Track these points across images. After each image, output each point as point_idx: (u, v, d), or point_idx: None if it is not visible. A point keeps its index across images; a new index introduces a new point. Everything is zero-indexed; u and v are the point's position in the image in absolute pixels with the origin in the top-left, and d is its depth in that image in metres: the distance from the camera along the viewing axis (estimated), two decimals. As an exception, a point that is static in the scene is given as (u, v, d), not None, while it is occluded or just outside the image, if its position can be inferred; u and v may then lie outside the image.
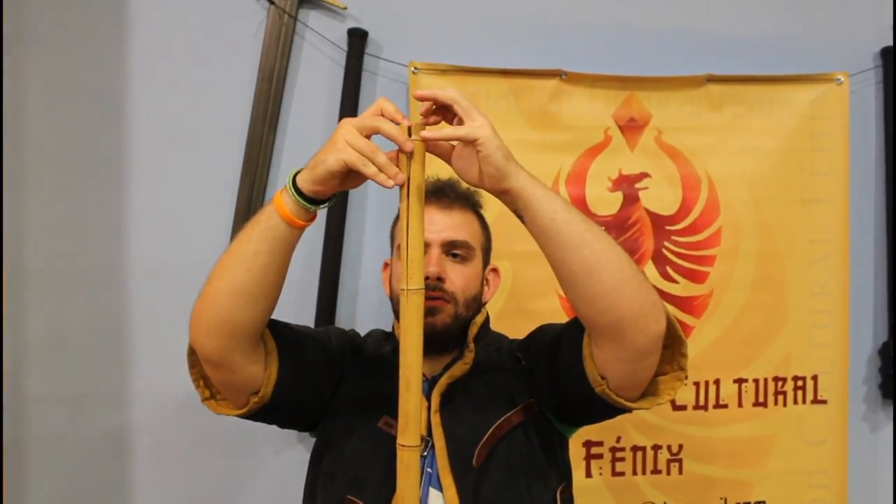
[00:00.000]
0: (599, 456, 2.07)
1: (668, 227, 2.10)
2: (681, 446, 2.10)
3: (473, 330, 1.54)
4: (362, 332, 1.71)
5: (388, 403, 1.34)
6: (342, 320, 2.06)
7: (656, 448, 2.09)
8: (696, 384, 2.10)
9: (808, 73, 2.16)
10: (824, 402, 2.16)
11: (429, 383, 1.45)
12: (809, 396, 2.16)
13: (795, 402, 2.15)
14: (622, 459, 2.08)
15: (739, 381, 2.12)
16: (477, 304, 1.55)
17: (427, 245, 1.44)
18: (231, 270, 1.31)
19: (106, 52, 2.02)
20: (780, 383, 2.14)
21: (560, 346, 1.41)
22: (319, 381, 1.47)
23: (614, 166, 2.10)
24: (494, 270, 1.63)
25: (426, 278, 1.36)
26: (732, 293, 2.11)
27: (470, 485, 1.36)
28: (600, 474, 2.08)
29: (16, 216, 1.98)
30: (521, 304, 2.04)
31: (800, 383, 2.15)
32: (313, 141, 2.06)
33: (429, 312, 1.38)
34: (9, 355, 1.97)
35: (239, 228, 1.99)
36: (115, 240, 2.03)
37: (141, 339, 2.05)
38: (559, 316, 2.04)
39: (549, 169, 2.07)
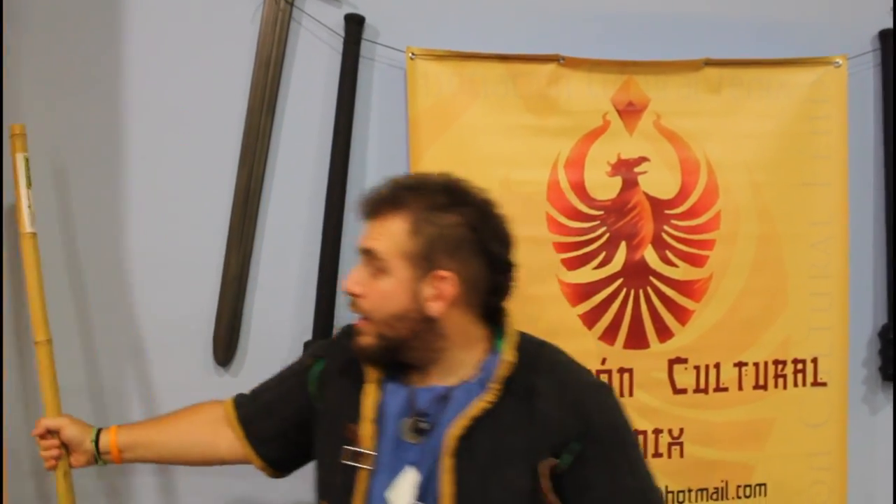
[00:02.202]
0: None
1: (667, 211, 2.10)
2: (682, 430, 2.10)
3: (503, 371, 1.44)
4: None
5: (352, 409, 1.47)
6: (341, 316, 2.05)
7: (657, 432, 2.10)
8: (697, 368, 2.10)
9: (807, 57, 2.16)
10: (824, 384, 2.16)
11: (429, 394, 1.47)
12: (809, 379, 2.16)
13: (795, 384, 2.15)
14: (623, 443, 2.09)
15: (739, 365, 2.12)
16: (412, 320, 1.43)
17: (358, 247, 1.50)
18: None
19: (102, 40, 2.02)
20: (779, 366, 2.14)
21: None
22: (298, 427, 1.60)
23: (613, 150, 2.09)
24: (441, 277, 1.43)
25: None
26: (732, 277, 2.11)
27: None
28: (601, 458, 2.08)
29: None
30: (521, 289, 2.01)
31: (800, 366, 2.15)
32: (311, 127, 2.07)
33: (356, 332, 1.47)
34: (11, 347, 1.97)
35: (237, 216, 2.01)
36: (114, 228, 2.04)
37: (141, 330, 2.05)
38: (559, 301, 2.05)
39: (547, 153, 2.07)
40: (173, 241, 2.04)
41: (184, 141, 2.05)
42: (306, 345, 2.00)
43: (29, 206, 1.79)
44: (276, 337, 2.03)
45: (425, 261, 1.42)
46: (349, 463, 1.43)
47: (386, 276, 1.43)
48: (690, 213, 2.10)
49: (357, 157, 2.08)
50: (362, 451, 1.43)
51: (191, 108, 2.04)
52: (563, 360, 1.52)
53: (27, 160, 1.81)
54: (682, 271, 2.09)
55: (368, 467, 1.42)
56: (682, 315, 2.10)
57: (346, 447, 1.43)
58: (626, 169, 2.09)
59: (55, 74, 2.00)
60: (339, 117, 2.04)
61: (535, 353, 1.49)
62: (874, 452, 2.29)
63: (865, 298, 2.27)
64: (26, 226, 1.78)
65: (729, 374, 2.12)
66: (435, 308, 1.42)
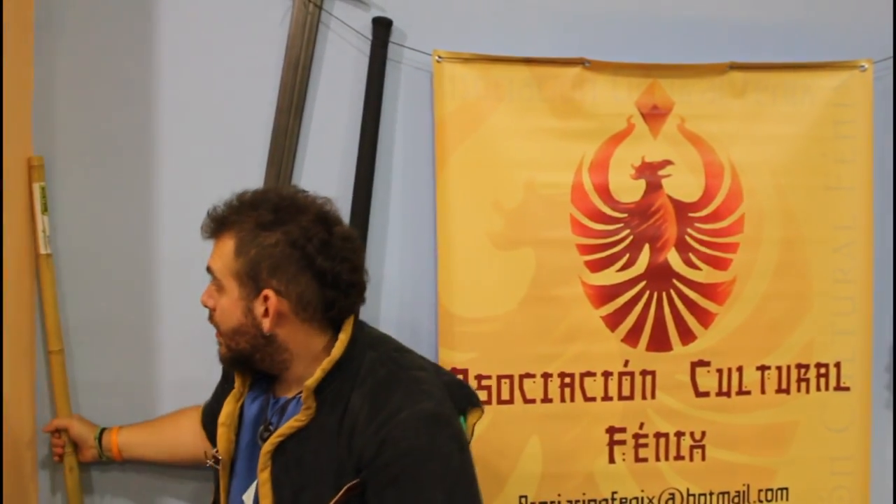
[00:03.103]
0: (622, 442, 2.08)
1: (690, 214, 2.11)
2: (704, 433, 2.11)
3: (311, 383, 1.45)
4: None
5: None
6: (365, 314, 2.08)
7: (679, 434, 2.10)
8: (720, 371, 2.11)
9: (832, 61, 2.16)
10: (847, 389, 2.16)
11: (279, 403, 1.56)
12: (832, 383, 2.16)
13: (818, 388, 2.16)
14: (645, 445, 2.10)
15: (762, 368, 2.13)
16: (250, 335, 1.49)
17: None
18: None
19: (133, 42, 2.04)
20: (802, 370, 2.14)
21: None
22: None
23: (637, 154, 2.10)
24: (265, 297, 1.46)
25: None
26: (755, 280, 2.11)
27: None
28: (623, 460, 2.09)
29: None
30: (545, 291, 2.05)
31: (822, 370, 2.15)
32: (338, 129, 2.09)
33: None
34: (41, 343, 2.01)
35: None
36: (141, 229, 2.05)
37: (168, 329, 2.07)
38: (582, 303, 2.06)
39: (572, 156, 2.08)
40: (202, 240, 2.06)
41: (213, 141, 2.07)
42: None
43: (44, 231, 1.97)
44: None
45: (251, 280, 1.47)
46: (211, 465, 1.60)
47: (224, 294, 1.50)
48: (714, 217, 2.11)
49: (383, 159, 2.09)
50: (216, 455, 1.59)
51: (220, 109, 2.07)
52: (392, 376, 1.47)
53: (43, 189, 1.97)
54: (705, 274, 2.10)
55: (218, 468, 1.59)
56: (705, 318, 2.10)
57: (207, 451, 1.63)
58: (650, 172, 2.10)
59: (86, 77, 2.03)
60: (366, 119, 2.06)
61: (361, 365, 1.48)
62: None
63: (889, 303, 2.26)
64: (41, 248, 1.97)
65: (751, 378, 2.12)
66: (266, 325, 1.47)
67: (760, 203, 2.13)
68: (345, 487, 1.40)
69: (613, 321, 2.07)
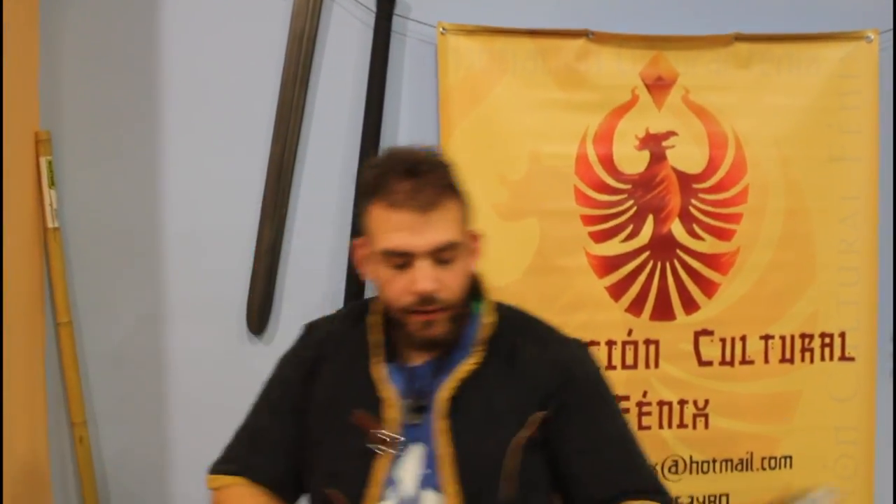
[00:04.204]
0: (626, 410, 2.09)
1: (695, 185, 2.11)
2: (707, 401, 2.12)
3: (485, 332, 1.45)
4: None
5: (359, 395, 1.43)
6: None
7: (682, 403, 2.12)
8: (723, 340, 2.12)
9: (837, 31, 2.15)
10: (852, 359, 2.17)
11: (427, 370, 1.44)
12: (837, 353, 2.17)
13: (823, 358, 2.16)
14: (648, 413, 2.11)
15: (766, 338, 2.13)
16: (469, 285, 1.46)
17: (408, 254, 1.36)
18: None
19: (139, 16, 2.06)
20: (807, 340, 2.15)
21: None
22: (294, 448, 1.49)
23: (641, 125, 2.11)
24: (474, 237, 1.46)
25: (418, 296, 1.36)
26: (759, 250, 2.12)
27: (471, 494, 1.37)
28: (627, 428, 2.11)
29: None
30: (549, 261, 2.07)
31: (827, 340, 2.16)
32: (343, 101, 2.11)
33: (424, 327, 1.40)
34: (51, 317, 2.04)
35: (271, 188, 2.06)
36: (149, 202, 2.08)
37: (176, 300, 2.10)
38: (586, 273, 2.08)
39: (576, 128, 2.09)
40: (208, 213, 2.08)
41: (218, 115, 2.09)
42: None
43: (51, 205, 1.99)
44: (309, 306, 2.05)
45: (467, 226, 1.44)
46: (376, 449, 1.39)
47: (460, 258, 1.40)
48: (718, 188, 2.11)
49: (388, 131, 2.11)
50: (389, 436, 1.40)
51: (225, 83, 2.09)
52: (539, 320, 1.55)
53: (50, 163, 1.99)
54: (708, 245, 2.11)
55: (393, 452, 1.40)
56: (708, 288, 2.11)
57: (374, 433, 1.40)
58: (654, 143, 2.11)
59: (92, 51, 2.05)
60: (371, 91, 2.08)
61: (512, 315, 1.52)
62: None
63: (893, 273, 2.26)
64: (49, 222, 1.98)
65: (755, 347, 2.13)
66: (471, 266, 1.46)
67: (765, 174, 2.13)
68: (534, 422, 1.40)
69: (617, 291, 2.08)
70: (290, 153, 2.08)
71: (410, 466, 1.40)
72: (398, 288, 1.38)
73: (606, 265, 2.08)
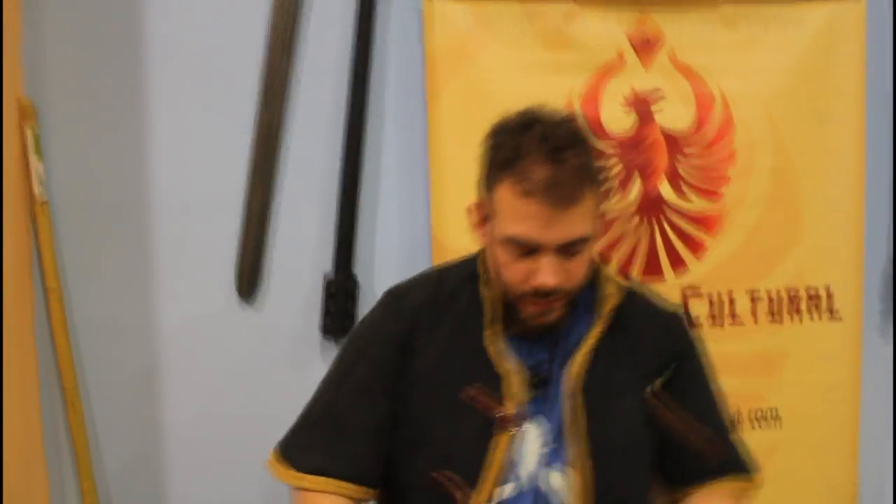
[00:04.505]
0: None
1: (682, 145, 2.11)
2: (695, 361, 2.13)
3: (611, 303, 1.41)
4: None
5: (473, 370, 1.35)
6: (360, 248, 2.11)
7: (671, 361, 2.13)
8: (711, 300, 2.13)
9: (825, -9, 2.15)
10: (839, 317, 2.19)
11: (546, 341, 1.39)
12: (824, 312, 2.18)
13: (811, 317, 2.18)
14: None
15: (754, 298, 2.15)
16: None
17: (534, 246, 1.28)
18: None
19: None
20: (794, 299, 2.16)
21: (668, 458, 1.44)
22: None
23: (628, 86, 2.10)
24: (604, 219, 1.40)
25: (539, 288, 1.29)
26: (747, 210, 2.12)
27: (599, 473, 1.34)
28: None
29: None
30: None
31: (814, 299, 2.17)
32: (329, 67, 2.10)
33: (539, 314, 1.33)
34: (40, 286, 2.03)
35: (259, 154, 2.05)
36: (136, 170, 2.07)
37: (166, 266, 2.09)
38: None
39: (563, 89, 2.08)
40: (196, 180, 2.07)
41: (204, 82, 2.07)
42: (328, 279, 2.06)
43: (39, 176, 1.95)
44: (298, 270, 2.08)
45: (601, 210, 1.36)
46: (497, 429, 1.33)
47: (588, 248, 1.33)
48: (705, 147, 2.11)
49: (375, 97, 2.11)
50: (511, 414, 1.34)
51: (211, 50, 2.07)
52: (641, 286, 1.53)
53: (37, 135, 1.96)
54: (696, 204, 2.11)
55: (515, 430, 1.34)
56: (696, 248, 2.12)
57: (495, 411, 1.33)
58: (641, 104, 2.10)
59: (75, 19, 2.02)
60: (357, 56, 2.07)
61: (620, 283, 1.48)
62: (888, 385, 2.32)
63: (881, 232, 2.28)
64: (37, 195, 1.95)
65: (743, 307, 2.14)
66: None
67: (752, 134, 2.13)
68: (656, 390, 1.40)
69: (606, 251, 2.08)
70: (276, 120, 2.07)
71: (531, 445, 1.35)
72: (517, 275, 1.30)
73: (595, 226, 2.09)
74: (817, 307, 2.18)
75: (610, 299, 1.41)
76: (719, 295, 2.14)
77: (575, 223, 1.26)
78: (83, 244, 2.06)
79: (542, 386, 1.36)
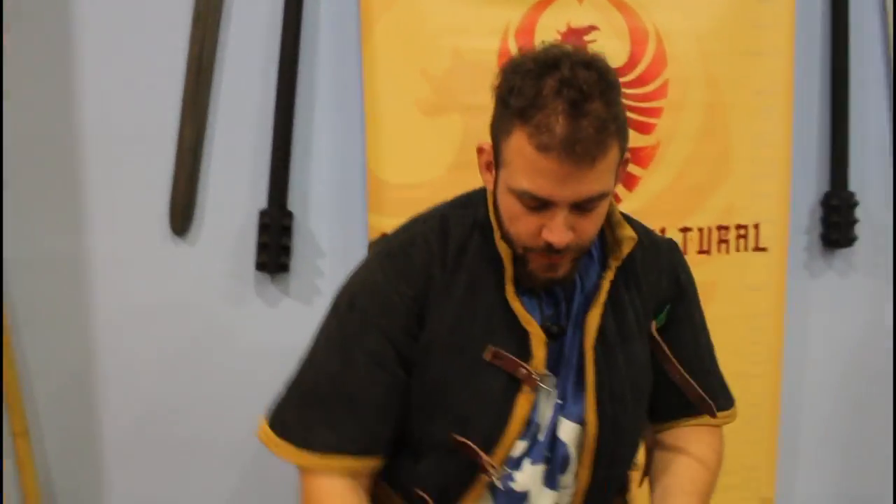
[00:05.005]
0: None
1: (616, 80, 2.12)
2: (628, 293, 2.17)
3: (626, 249, 1.32)
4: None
5: (494, 329, 1.28)
6: (294, 182, 2.10)
7: (604, 294, 2.17)
8: (643, 233, 2.16)
9: (757, -75, 2.16)
10: (765, 249, 2.24)
11: (560, 293, 1.32)
12: (751, 244, 2.23)
13: (738, 249, 2.23)
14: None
15: (684, 230, 2.19)
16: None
17: (548, 200, 1.17)
18: None
19: None
20: (723, 231, 2.21)
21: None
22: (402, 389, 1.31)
23: (562, 19, 2.09)
24: (625, 163, 1.24)
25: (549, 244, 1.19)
26: (678, 144, 2.15)
27: (610, 420, 1.31)
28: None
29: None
30: (472, 157, 2.00)
31: (742, 231, 2.22)
32: (261, 0, 2.05)
33: (548, 269, 1.25)
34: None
35: (191, 87, 2.02)
36: (65, 101, 2.01)
37: (97, 202, 2.06)
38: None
39: (497, 23, 2.06)
40: (128, 113, 2.03)
41: (135, 13, 2.02)
42: (263, 214, 2.05)
43: None
44: (232, 205, 2.06)
45: (622, 161, 1.23)
46: (524, 389, 1.27)
47: (604, 204, 1.22)
48: (639, 82, 2.13)
49: (308, 28, 2.07)
50: (538, 374, 1.28)
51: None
52: (634, 220, 1.43)
53: None
54: (630, 138, 2.13)
55: (541, 389, 1.29)
56: (629, 181, 2.14)
57: (526, 373, 1.26)
58: (575, 37, 2.10)
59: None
60: (290, -13, 2.04)
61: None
62: (811, 316, 2.40)
63: (809, 167, 2.34)
64: None
65: (675, 239, 2.17)
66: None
67: (684, 68, 2.14)
68: (650, 334, 1.39)
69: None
70: (209, 50, 2.03)
71: (545, 399, 1.31)
72: (527, 229, 1.20)
73: (529, 160, 2.09)
74: (745, 240, 2.23)
75: (624, 246, 1.32)
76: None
77: (594, 181, 1.14)
78: (11, 179, 2.00)
79: (556, 340, 1.30)
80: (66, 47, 2.00)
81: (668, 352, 1.38)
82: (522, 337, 1.27)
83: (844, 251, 2.38)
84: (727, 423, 1.50)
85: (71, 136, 2.02)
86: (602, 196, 1.17)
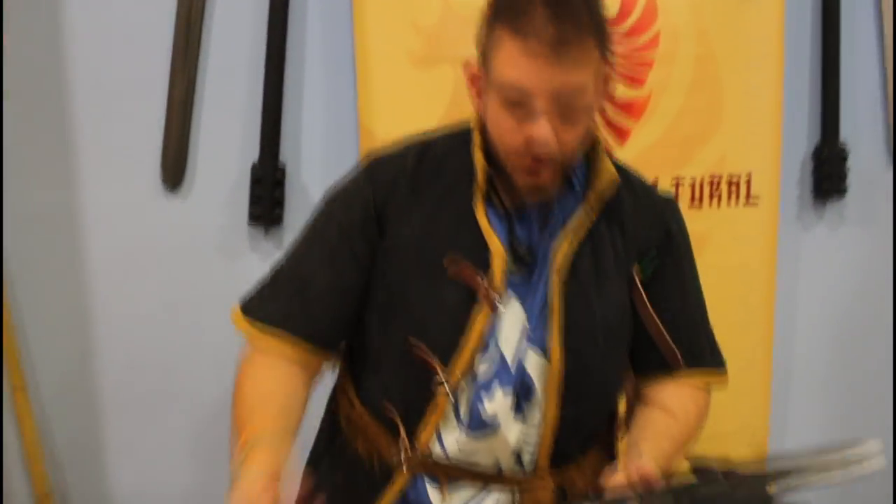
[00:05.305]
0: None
1: (607, 31, 2.12)
2: (620, 245, 2.18)
3: (608, 188, 1.32)
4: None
5: (457, 240, 1.29)
6: (287, 133, 2.09)
7: (596, 245, 2.17)
8: (635, 185, 2.17)
9: None
10: (757, 202, 2.25)
11: (533, 218, 1.32)
12: (743, 196, 2.24)
13: (729, 201, 2.23)
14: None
15: (677, 182, 2.19)
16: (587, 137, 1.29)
17: (527, 95, 1.17)
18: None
19: None
20: (715, 183, 2.22)
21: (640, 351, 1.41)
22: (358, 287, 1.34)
23: (553, -29, 2.09)
24: (607, 79, 1.26)
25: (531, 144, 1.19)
26: (670, 96, 2.14)
27: (576, 354, 1.30)
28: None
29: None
30: (463, 109, 2.03)
31: (734, 183, 2.23)
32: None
33: (530, 172, 1.25)
34: None
35: (181, 39, 2.01)
36: (55, 58, 2.01)
37: (89, 156, 2.06)
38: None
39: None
40: (117, 68, 2.03)
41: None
42: (255, 167, 2.05)
43: None
44: (224, 159, 2.07)
45: (603, 68, 1.23)
46: (478, 302, 1.27)
47: (586, 113, 1.23)
48: (630, 33, 2.12)
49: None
50: (494, 290, 1.27)
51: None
52: (629, 169, 1.44)
53: None
54: (621, 90, 2.13)
55: (497, 306, 1.28)
56: (621, 134, 2.14)
57: (483, 288, 1.26)
58: (566, -11, 2.10)
59: None
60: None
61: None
62: (803, 269, 2.41)
63: (800, 118, 2.33)
64: None
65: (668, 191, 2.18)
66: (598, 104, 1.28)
67: (675, 20, 2.13)
68: (632, 279, 1.36)
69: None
70: (197, 4, 2.03)
71: (512, 324, 1.30)
72: (512, 134, 1.21)
73: (521, 112, 2.09)
74: (737, 192, 2.24)
75: (604, 178, 1.32)
76: (643, 181, 2.18)
77: (572, 70, 1.15)
78: (3, 135, 2.00)
79: (525, 264, 1.30)
80: (54, 2, 1.99)
81: (644, 299, 1.37)
82: (484, 251, 1.28)
83: (835, 203, 2.38)
84: (714, 384, 1.47)
85: (61, 92, 2.02)
86: (581, 90, 1.18)
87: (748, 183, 2.23)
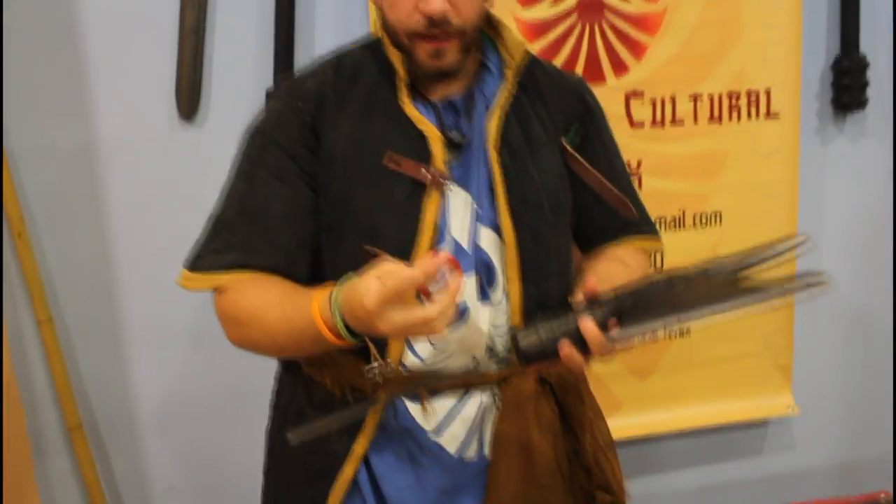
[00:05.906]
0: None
1: (621, -55, 2.09)
2: (640, 162, 2.17)
3: (520, 59, 1.37)
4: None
5: (390, 137, 1.31)
6: (300, 59, 2.05)
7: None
8: (653, 101, 2.15)
9: None
10: (777, 116, 2.23)
11: (459, 103, 1.36)
12: (763, 110, 2.22)
13: (749, 116, 2.21)
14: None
15: (695, 98, 2.17)
16: (482, 16, 1.34)
17: None
18: (275, 341, 1.28)
19: None
20: (734, 98, 2.19)
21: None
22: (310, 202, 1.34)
23: None
24: None
25: (427, 17, 1.24)
26: (686, 10, 2.12)
27: (528, 228, 1.33)
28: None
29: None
30: None
31: (753, 97, 2.20)
32: None
33: (434, 55, 1.28)
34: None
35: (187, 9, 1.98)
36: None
37: (102, 87, 2.04)
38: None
39: None
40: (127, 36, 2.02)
41: None
42: (269, 94, 2.02)
43: None
44: (239, 86, 2.04)
45: None
46: (427, 186, 1.29)
47: None
48: (644, -54, 2.10)
49: None
50: (438, 173, 1.30)
51: None
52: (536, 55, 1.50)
53: None
54: (636, 5, 2.10)
55: (444, 190, 1.30)
56: (637, 49, 2.12)
57: (428, 174, 1.29)
58: None
59: None
60: None
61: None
62: (825, 182, 2.40)
63: (819, 31, 2.30)
64: None
65: (684, 107, 2.17)
66: None
67: (691, -68, 2.11)
68: (562, 149, 1.42)
69: (547, 55, 2.06)
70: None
71: (460, 206, 1.32)
72: (405, 7, 1.25)
73: (535, 30, 2.07)
74: (756, 107, 2.21)
75: (515, 50, 1.37)
76: (662, 100, 2.16)
77: None
78: (14, 69, 1.99)
79: (459, 146, 1.33)
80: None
81: (581, 159, 1.42)
82: (420, 140, 1.31)
83: (855, 115, 2.36)
84: (653, 249, 1.58)
85: (71, 24, 1.99)
86: None
87: (768, 97, 2.21)
